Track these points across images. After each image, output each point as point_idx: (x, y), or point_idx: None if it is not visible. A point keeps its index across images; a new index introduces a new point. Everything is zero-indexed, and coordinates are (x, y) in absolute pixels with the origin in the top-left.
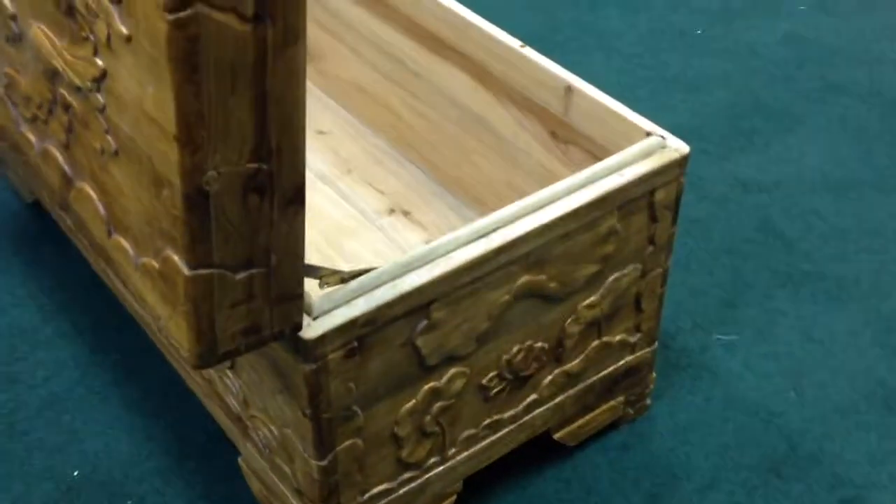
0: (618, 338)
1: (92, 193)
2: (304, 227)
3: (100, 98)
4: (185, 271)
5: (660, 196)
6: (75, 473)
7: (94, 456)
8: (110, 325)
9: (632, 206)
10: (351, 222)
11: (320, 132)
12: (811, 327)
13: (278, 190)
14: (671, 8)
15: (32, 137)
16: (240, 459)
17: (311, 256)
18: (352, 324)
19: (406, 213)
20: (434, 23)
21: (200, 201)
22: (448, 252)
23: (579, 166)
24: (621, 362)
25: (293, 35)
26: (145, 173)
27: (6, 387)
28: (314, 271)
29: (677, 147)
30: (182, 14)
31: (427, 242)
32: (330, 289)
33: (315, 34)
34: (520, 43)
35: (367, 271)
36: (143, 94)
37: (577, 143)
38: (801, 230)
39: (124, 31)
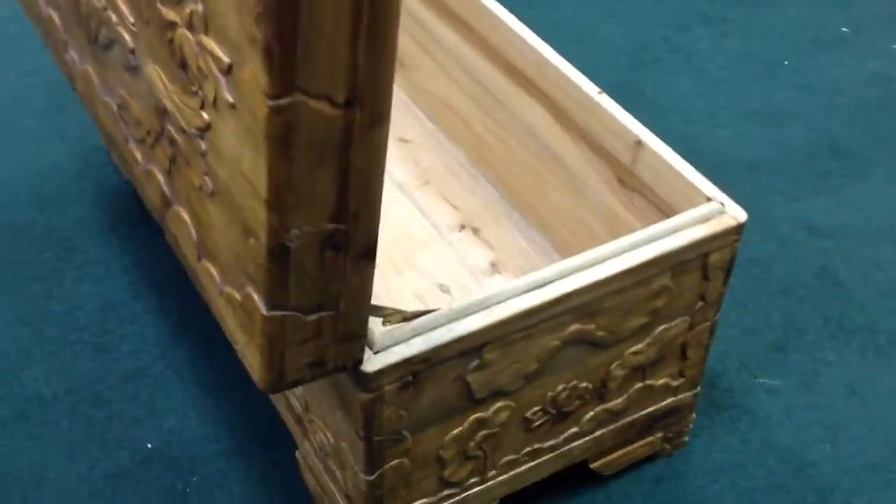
0: (661, 381)
1: (187, 219)
2: (373, 277)
3: (202, 144)
4: (263, 311)
5: (714, 258)
6: (149, 446)
7: (168, 432)
8: (193, 311)
9: (685, 266)
10: (423, 235)
11: (403, 140)
12: (855, 381)
13: (353, 247)
14: (762, 35)
15: (139, 156)
16: (297, 453)
17: (383, 265)
18: (408, 361)
19: (476, 231)
20: (516, 56)
21: (282, 255)
22: (505, 300)
23: (643, 214)
24: (663, 403)
25: (379, 118)
26: (237, 220)
27: (94, 356)
28: (379, 311)
29: (735, 214)
30: (282, 101)
31: (492, 263)
32: (392, 326)
33: (409, 45)
34: (597, 89)
35: (427, 313)
36: (241, 155)
37: (642, 192)
38: (860, 280)
39: (230, 99)
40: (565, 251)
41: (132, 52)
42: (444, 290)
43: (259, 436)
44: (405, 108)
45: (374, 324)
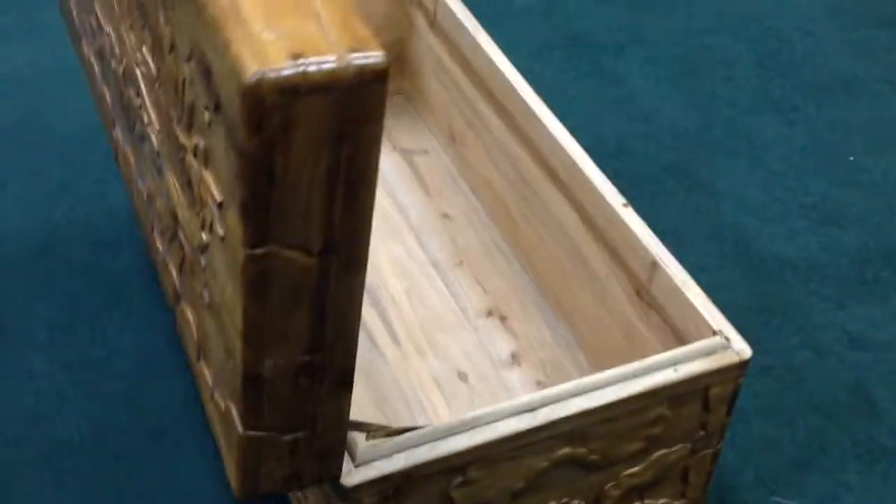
0: (660, 502)
1: (191, 319)
2: (350, 403)
3: (202, 260)
4: (239, 430)
5: (715, 391)
6: None
7: (183, 496)
8: None
9: (683, 398)
10: (450, 317)
11: (446, 216)
12: None
13: (328, 375)
14: (830, 127)
15: (160, 245)
16: None
17: (406, 345)
18: (389, 477)
19: (503, 319)
20: (549, 155)
21: (256, 382)
22: (492, 422)
23: (656, 331)
24: None
25: (355, 265)
26: (223, 338)
27: (124, 408)
28: (363, 426)
29: (739, 350)
30: (257, 251)
31: (513, 353)
32: (374, 441)
33: (459, 121)
34: (623, 201)
35: (412, 429)
36: (226, 284)
37: (656, 309)
38: (894, 401)
39: (220, 232)
40: (587, 349)
41: (158, 154)
42: (462, 377)
43: None
44: (453, 182)
45: (358, 437)
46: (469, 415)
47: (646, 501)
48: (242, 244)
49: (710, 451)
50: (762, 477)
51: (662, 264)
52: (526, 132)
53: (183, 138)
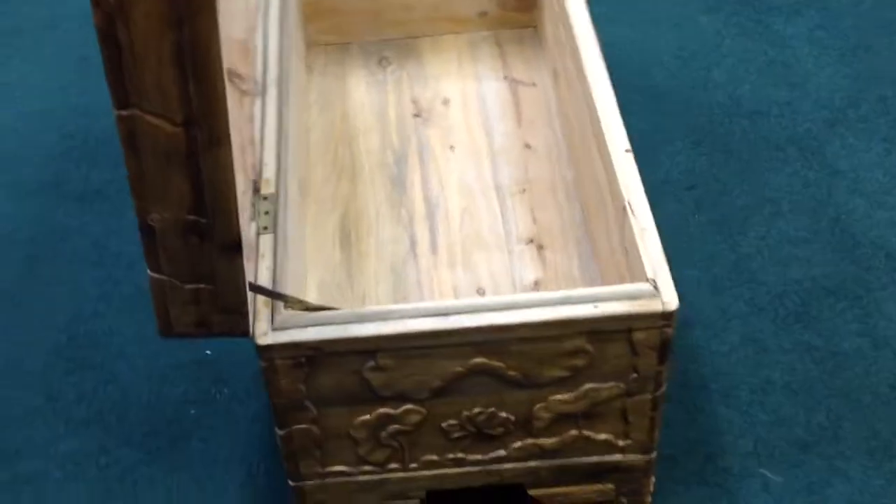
0: (602, 436)
1: None
2: (244, 269)
3: None
4: (148, 270)
5: (639, 336)
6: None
7: None
8: None
9: (603, 335)
10: (491, 238)
11: (527, 146)
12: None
13: (216, 238)
14: None
15: None
16: None
17: (442, 255)
18: (298, 345)
19: (540, 248)
20: (593, 100)
21: (149, 231)
22: (403, 317)
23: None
24: (607, 457)
25: (217, 140)
26: None
27: None
28: (282, 297)
29: (666, 301)
30: (123, 112)
31: (536, 281)
32: (292, 312)
33: (562, 63)
34: (626, 147)
35: (329, 309)
36: None
37: (628, 253)
38: None
39: None
40: None
41: None
42: (480, 293)
43: None
44: (546, 117)
45: (280, 306)
46: (385, 307)
47: (584, 431)
48: (113, 106)
49: (647, 396)
50: (758, 450)
51: (629, 211)
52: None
53: None
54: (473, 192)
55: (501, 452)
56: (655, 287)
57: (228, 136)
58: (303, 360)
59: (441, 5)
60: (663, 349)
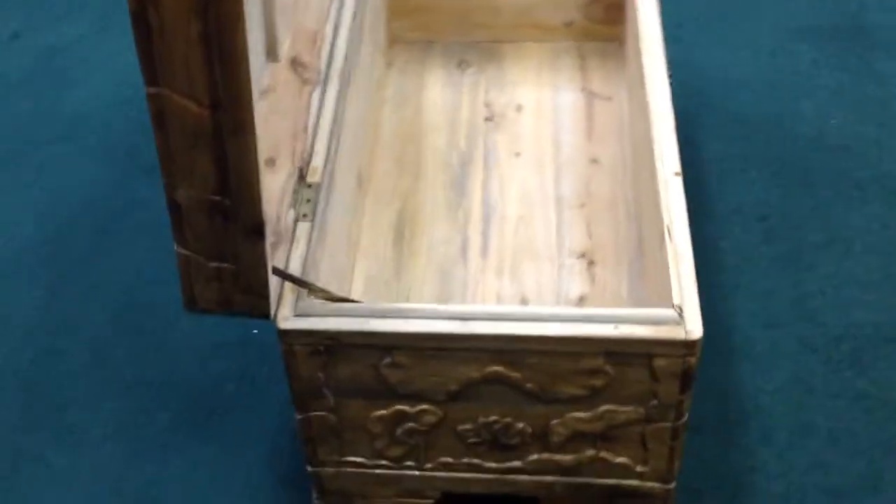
0: (619, 459)
1: None
2: (266, 252)
3: None
4: (175, 246)
5: (659, 363)
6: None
7: None
8: None
9: (623, 357)
10: (543, 250)
11: (595, 161)
12: None
13: (240, 220)
14: None
15: None
16: None
17: (492, 261)
18: (316, 333)
19: (591, 264)
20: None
21: (176, 207)
22: (423, 317)
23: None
24: (625, 482)
25: (240, 125)
26: None
27: None
28: (305, 284)
29: (689, 329)
30: (151, 90)
31: (581, 297)
32: (313, 300)
33: (639, 79)
34: (676, 170)
35: (351, 301)
36: None
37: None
38: None
39: None
40: None
41: None
42: (524, 302)
43: None
44: (617, 132)
45: (304, 294)
46: (405, 305)
47: (601, 453)
48: (143, 83)
49: (667, 424)
50: (791, 492)
51: (667, 234)
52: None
53: None
54: (532, 201)
55: (517, 464)
56: (680, 314)
57: (252, 123)
58: (321, 348)
59: (528, 12)
60: (685, 378)
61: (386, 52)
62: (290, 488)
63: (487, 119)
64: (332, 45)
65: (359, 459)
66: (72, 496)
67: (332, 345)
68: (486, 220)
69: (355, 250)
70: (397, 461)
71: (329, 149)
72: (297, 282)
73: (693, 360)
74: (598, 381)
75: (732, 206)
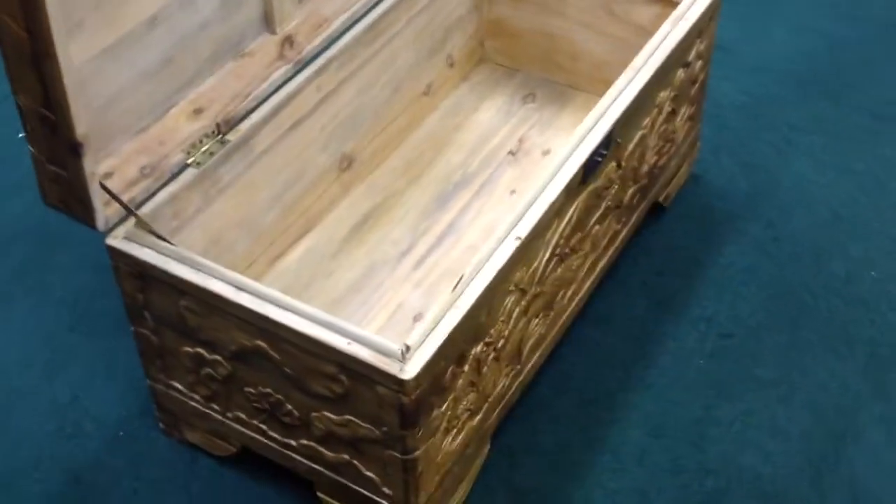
0: (368, 474)
1: None
2: (84, 171)
3: None
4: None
5: (381, 390)
6: None
7: None
8: None
9: (355, 376)
10: None
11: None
12: None
13: (62, 136)
14: None
15: None
16: None
17: (418, 274)
18: (131, 258)
19: None
20: None
21: (20, 111)
22: (208, 274)
23: None
24: (375, 497)
25: (46, 53)
26: None
27: None
28: (130, 211)
29: (404, 369)
30: None
31: None
32: (143, 230)
33: None
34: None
35: (166, 241)
36: None
37: None
38: None
39: None
40: None
41: None
42: (417, 319)
43: None
44: None
45: (131, 222)
46: (200, 259)
47: (355, 461)
48: None
49: (398, 455)
50: None
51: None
52: None
53: None
54: (491, 236)
55: (293, 442)
56: (404, 352)
57: (55, 55)
58: (138, 274)
59: (603, 66)
60: (404, 415)
61: (463, 66)
62: None
63: (511, 153)
64: (337, 35)
65: (179, 387)
66: None
67: (143, 272)
68: (441, 238)
69: (310, 222)
70: (206, 400)
71: (267, 119)
72: (125, 207)
73: (406, 399)
74: (337, 388)
75: None
